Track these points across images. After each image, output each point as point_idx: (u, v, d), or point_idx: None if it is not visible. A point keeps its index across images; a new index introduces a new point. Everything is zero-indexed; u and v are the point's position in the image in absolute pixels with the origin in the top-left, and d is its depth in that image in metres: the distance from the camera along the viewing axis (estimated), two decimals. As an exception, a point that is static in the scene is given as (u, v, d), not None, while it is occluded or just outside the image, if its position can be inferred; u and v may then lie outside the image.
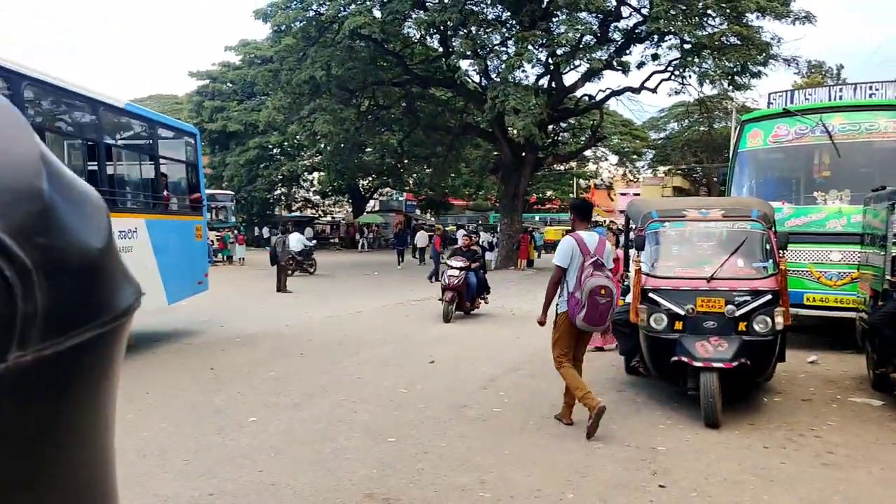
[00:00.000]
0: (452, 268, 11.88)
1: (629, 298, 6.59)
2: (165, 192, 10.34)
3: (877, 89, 10.93)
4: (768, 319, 5.78)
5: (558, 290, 5.62)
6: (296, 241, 21.73)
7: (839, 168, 9.99)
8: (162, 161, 10.30)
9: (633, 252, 6.79)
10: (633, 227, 7.55)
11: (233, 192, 36.87)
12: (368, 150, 33.29)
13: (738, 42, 21.17)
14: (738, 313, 5.80)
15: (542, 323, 5.79)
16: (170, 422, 5.70)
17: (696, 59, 22.39)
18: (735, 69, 21.86)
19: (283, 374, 7.67)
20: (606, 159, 51.71)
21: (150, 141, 10.07)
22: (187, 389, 6.88)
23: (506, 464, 4.81)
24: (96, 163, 8.47)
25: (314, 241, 26.69)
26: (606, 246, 5.63)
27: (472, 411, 6.18)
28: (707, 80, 23.15)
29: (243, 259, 28.55)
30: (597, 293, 5.24)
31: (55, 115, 8.49)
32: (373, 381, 7.31)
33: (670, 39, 23.29)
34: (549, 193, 58.50)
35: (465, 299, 12.02)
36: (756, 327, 5.78)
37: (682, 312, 5.91)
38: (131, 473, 4.50)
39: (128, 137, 10.31)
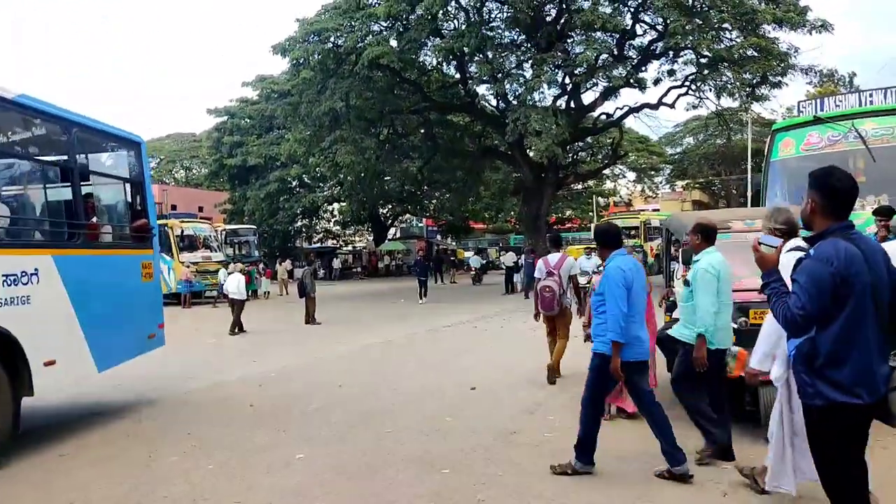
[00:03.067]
0: None
1: (676, 314, 6.41)
2: (94, 219, 7.66)
3: (907, 93, 10.72)
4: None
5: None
6: (475, 260, 31.82)
7: (875, 173, 9.79)
8: (92, 179, 7.67)
9: (677, 266, 6.63)
10: (674, 240, 7.40)
11: (254, 227, 37.16)
12: (388, 178, 33.44)
13: (756, 54, 21.04)
14: (794, 325, 5.60)
15: (536, 316, 8.65)
16: (216, 463, 5.60)
17: (714, 73, 22.31)
18: (754, 80, 21.72)
19: (322, 406, 7.56)
20: (624, 176, 51.69)
21: (67, 150, 7.20)
22: (229, 428, 6.77)
23: (567, 491, 4.64)
24: None
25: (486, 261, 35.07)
26: (565, 262, 8.35)
27: (522, 437, 6.03)
28: (725, 93, 23.07)
29: (268, 293, 28.65)
30: (543, 290, 8.20)
31: None
32: (416, 410, 7.17)
33: (686, 54, 23.27)
34: (568, 213, 58.34)
35: None
36: (814, 338, 5.58)
37: (735, 326, 5.72)
38: (184, 516, 4.40)
39: (26, 143, 7.41)
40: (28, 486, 5.14)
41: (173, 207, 44.63)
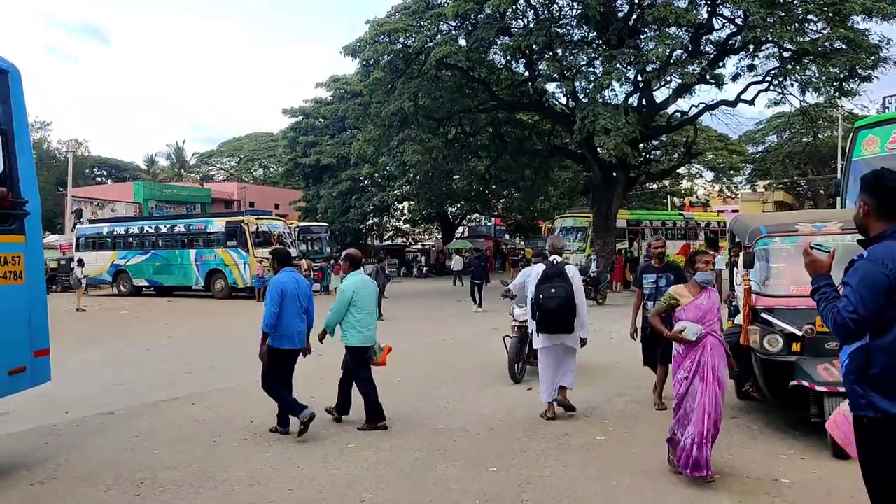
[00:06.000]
0: None
1: (738, 320, 6.23)
2: None
3: None
4: (900, 339, 5.29)
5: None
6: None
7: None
8: None
9: (738, 270, 6.43)
10: (736, 244, 7.16)
11: (327, 224, 38.00)
12: (456, 177, 33.54)
13: (844, 46, 20.01)
14: (864, 333, 5.35)
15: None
16: (274, 451, 5.79)
17: (798, 67, 21.34)
18: (842, 75, 20.65)
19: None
20: (701, 176, 50.07)
21: None
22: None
23: (613, 496, 4.58)
24: None
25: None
26: None
27: (574, 440, 5.97)
28: (811, 89, 22.02)
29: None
30: None
31: None
32: (471, 409, 7.21)
33: (767, 48, 22.34)
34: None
35: None
36: (886, 348, 5.30)
37: (800, 333, 5.51)
38: (239, 503, 4.57)
39: None
40: (102, 465, 5.45)
41: (251, 204, 46.26)
